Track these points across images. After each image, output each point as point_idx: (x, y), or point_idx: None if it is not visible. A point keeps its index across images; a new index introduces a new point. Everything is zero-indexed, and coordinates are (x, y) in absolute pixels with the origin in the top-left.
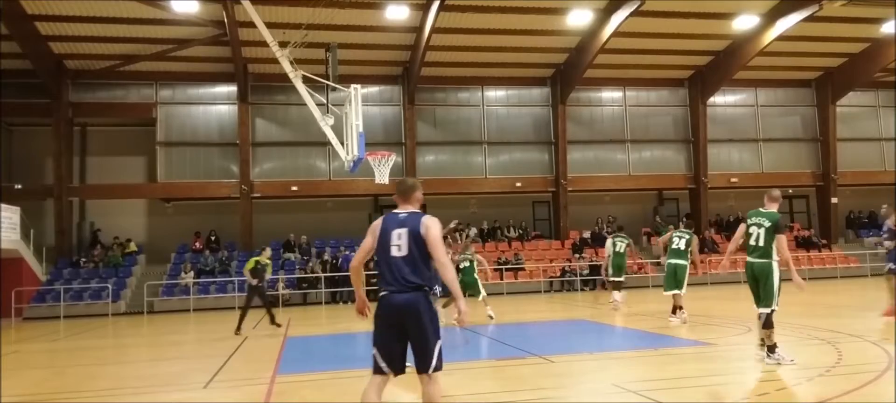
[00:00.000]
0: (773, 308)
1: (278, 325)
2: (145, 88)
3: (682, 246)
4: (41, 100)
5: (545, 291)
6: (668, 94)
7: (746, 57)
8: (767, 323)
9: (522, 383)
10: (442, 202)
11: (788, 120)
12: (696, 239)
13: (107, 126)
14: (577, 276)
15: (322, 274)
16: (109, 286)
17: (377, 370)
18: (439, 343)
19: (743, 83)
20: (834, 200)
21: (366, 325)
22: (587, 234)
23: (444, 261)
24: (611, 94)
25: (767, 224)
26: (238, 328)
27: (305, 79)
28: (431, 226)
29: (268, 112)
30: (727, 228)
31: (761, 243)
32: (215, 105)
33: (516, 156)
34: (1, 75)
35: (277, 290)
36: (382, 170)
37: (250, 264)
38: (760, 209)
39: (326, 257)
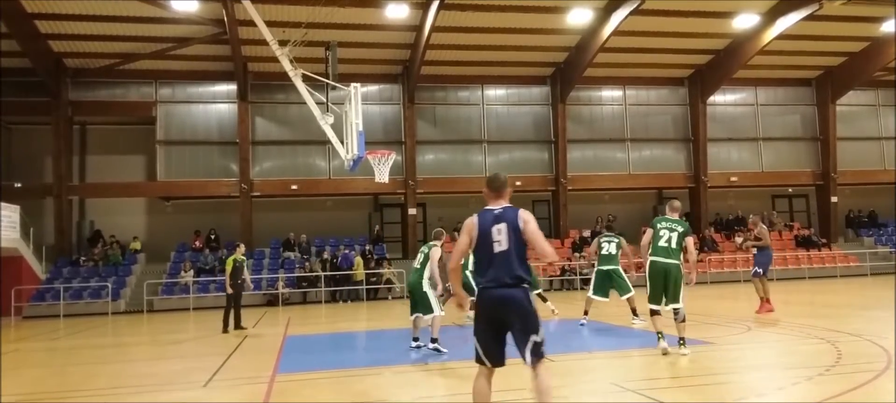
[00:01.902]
0: (683, 304)
1: (242, 328)
2: (145, 87)
3: (613, 251)
4: (41, 98)
5: (544, 290)
6: (667, 93)
7: (746, 56)
8: (683, 317)
9: (522, 382)
10: (441, 201)
11: (788, 119)
12: (624, 243)
13: (106, 124)
14: (576, 275)
15: (322, 273)
16: (109, 285)
17: (479, 360)
18: (540, 335)
19: (743, 82)
20: (834, 199)
21: (365, 324)
22: (587, 233)
23: (547, 252)
24: (611, 93)
25: (681, 229)
26: (224, 327)
27: (305, 78)
28: (530, 220)
29: (267, 110)
30: (727, 227)
31: (674, 245)
32: (215, 103)
33: (516, 155)
34: (0, 73)
35: (277, 289)
36: (382, 168)
37: (230, 264)
38: (667, 216)
39: (326, 256)
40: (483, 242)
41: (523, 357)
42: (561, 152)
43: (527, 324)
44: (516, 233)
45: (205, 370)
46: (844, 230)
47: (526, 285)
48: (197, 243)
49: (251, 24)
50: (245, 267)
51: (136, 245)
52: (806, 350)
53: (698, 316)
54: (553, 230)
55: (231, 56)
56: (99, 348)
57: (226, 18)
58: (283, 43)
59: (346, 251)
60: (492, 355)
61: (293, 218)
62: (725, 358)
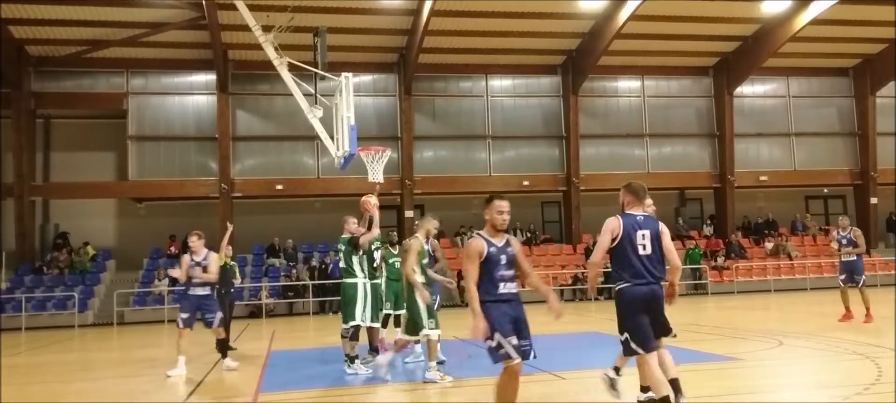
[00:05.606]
0: None
1: (232, 349)
2: (115, 77)
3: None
4: (0, 89)
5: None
6: (690, 84)
7: (777, 43)
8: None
9: (530, 402)
10: (441, 203)
11: (823, 112)
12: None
13: (73, 118)
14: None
15: (309, 282)
16: (76, 294)
17: (629, 352)
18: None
19: (773, 72)
20: (873, 200)
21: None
22: None
23: (678, 263)
24: (627, 84)
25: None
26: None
27: (291, 67)
28: (667, 232)
29: (250, 103)
30: (755, 231)
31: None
32: (192, 95)
33: (523, 152)
34: None
35: (260, 299)
36: (376, 167)
37: (221, 259)
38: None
39: (314, 263)
40: (629, 246)
41: (660, 334)
42: (573, 149)
43: (664, 311)
44: (656, 241)
45: (180, 388)
46: (885, 234)
47: (662, 282)
48: (172, 248)
49: (232, 7)
50: (236, 273)
51: (90, 251)
52: (843, 366)
53: (725, 329)
54: (564, 234)
55: (210, 43)
56: (64, 364)
57: (204, 1)
58: (267, 28)
59: (336, 257)
60: (649, 340)
61: (278, 222)
62: (754, 375)
